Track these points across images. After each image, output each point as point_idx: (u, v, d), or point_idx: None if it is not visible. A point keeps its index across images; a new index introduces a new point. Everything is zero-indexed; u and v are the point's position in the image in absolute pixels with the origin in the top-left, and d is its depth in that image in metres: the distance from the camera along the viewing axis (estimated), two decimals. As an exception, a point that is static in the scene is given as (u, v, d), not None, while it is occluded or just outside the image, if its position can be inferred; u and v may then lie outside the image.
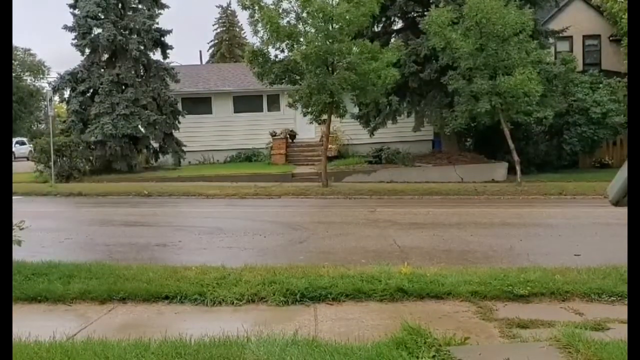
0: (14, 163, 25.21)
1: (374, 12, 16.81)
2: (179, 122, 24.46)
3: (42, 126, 51.62)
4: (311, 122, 19.71)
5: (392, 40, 21.36)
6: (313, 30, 16.74)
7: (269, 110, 27.57)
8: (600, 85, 22.06)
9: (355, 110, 21.30)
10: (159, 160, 24.90)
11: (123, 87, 22.94)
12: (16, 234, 5.57)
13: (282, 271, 6.27)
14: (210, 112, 27.68)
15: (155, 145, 24.08)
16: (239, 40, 57.12)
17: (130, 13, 23.47)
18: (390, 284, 5.71)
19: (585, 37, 26.54)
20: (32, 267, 6.54)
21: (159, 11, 24.11)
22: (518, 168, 18.07)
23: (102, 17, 22.70)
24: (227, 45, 57.43)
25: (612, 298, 5.51)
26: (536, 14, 20.02)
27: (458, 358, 3.93)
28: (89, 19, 22.45)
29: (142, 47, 23.07)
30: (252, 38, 24.57)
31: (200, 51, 74.08)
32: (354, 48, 16.93)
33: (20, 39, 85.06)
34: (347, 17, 16.12)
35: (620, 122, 20.50)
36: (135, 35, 23.11)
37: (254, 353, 3.96)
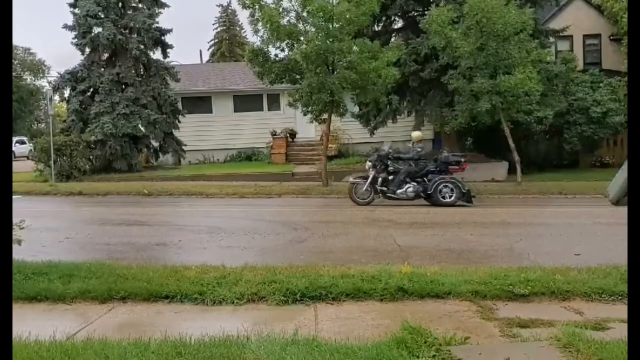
0: (14, 162, 25.19)
1: (374, 11, 16.79)
2: (179, 122, 24.48)
3: (42, 125, 51.65)
4: (311, 122, 19.68)
5: (393, 39, 21.34)
6: (313, 29, 16.72)
7: (269, 109, 27.58)
8: (601, 84, 22.04)
9: (356, 109, 21.29)
10: (159, 159, 24.93)
11: (123, 86, 22.95)
12: (16, 233, 5.57)
13: (282, 270, 6.26)
14: (210, 111, 27.70)
15: (156, 144, 24.10)
16: (239, 39, 57.10)
17: (130, 12, 23.47)
18: (391, 284, 5.70)
19: (585, 36, 26.50)
20: (32, 266, 6.53)
21: (159, 10, 24.12)
22: (518, 167, 18.06)
23: (102, 16, 22.70)
24: (228, 45, 57.41)
25: (613, 297, 5.50)
26: (536, 13, 20.01)
27: (458, 357, 3.92)
28: (89, 18, 22.45)
29: (142, 46, 23.08)
30: (253, 37, 24.69)
31: (201, 50, 74.16)
32: (354, 47, 16.91)
33: (20, 38, 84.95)
34: (347, 16, 16.11)
35: (620, 122, 20.49)
36: (136, 35, 23.12)
37: (254, 352, 3.95)
